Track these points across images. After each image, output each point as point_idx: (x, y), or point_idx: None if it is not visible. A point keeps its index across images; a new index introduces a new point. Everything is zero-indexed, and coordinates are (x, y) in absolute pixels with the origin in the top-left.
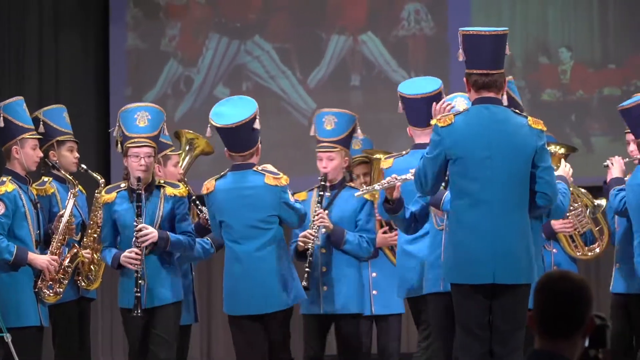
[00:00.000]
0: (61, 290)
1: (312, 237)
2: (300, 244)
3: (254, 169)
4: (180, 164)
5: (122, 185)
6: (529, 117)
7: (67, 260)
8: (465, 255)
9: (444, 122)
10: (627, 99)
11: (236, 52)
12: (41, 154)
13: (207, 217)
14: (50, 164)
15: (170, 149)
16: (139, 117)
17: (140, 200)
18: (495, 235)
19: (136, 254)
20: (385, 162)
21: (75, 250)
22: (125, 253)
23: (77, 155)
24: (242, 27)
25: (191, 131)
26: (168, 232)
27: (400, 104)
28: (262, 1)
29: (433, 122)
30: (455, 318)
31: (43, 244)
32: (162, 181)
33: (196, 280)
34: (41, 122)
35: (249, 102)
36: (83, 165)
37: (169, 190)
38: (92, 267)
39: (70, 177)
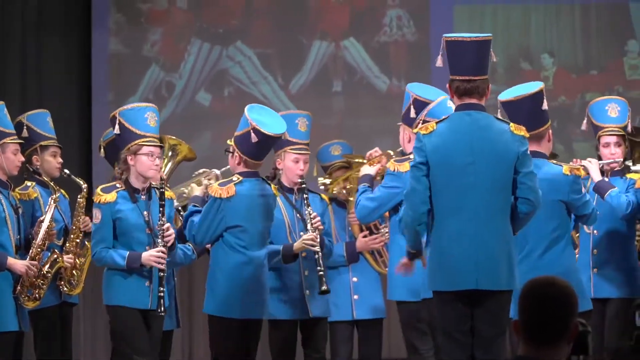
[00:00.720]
0: (40, 295)
1: (317, 240)
2: (307, 247)
3: (261, 177)
4: (162, 170)
5: (118, 185)
6: (511, 123)
7: (47, 265)
8: (447, 261)
9: (426, 130)
10: None
11: (218, 57)
12: (22, 159)
13: None
14: (32, 169)
15: None
16: (149, 117)
17: (163, 199)
18: (477, 241)
19: (163, 252)
20: (402, 166)
21: (55, 255)
22: (152, 252)
23: (60, 160)
24: (224, 33)
25: (174, 137)
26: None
27: (412, 108)
28: (243, 7)
29: (415, 130)
30: (437, 323)
31: (24, 249)
32: (152, 183)
33: (177, 286)
34: (25, 127)
35: (275, 113)
36: (66, 170)
37: (167, 193)
38: (74, 272)
39: (52, 182)
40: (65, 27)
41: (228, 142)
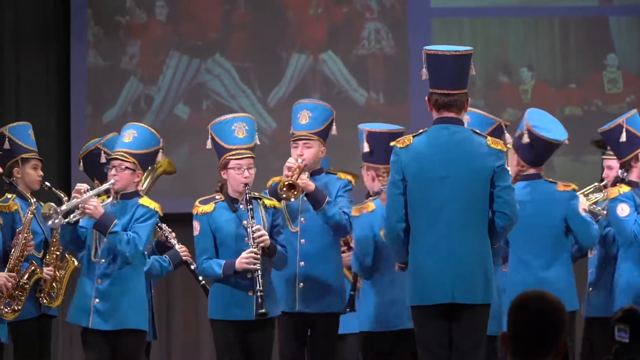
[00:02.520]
0: (19, 307)
1: None
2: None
3: None
4: (142, 183)
5: (217, 197)
6: (488, 137)
7: (25, 277)
8: (423, 276)
9: (402, 144)
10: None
11: (196, 70)
12: (1, 170)
13: (166, 235)
14: (8, 181)
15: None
16: (237, 129)
17: (251, 202)
18: (453, 255)
19: (255, 253)
20: None
21: (33, 267)
22: (243, 255)
23: (41, 173)
24: (202, 46)
25: None
26: (275, 243)
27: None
28: (222, 20)
29: (392, 143)
30: (415, 338)
31: (2, 261)
32: (255, 193)
33: (155, 298)
34: (6, 139)
35: None
36: (47, 183)
37: (267, 202)
38: (54, 284)
39: (28, 194)
40: (44, 39)
41: (129, 156)
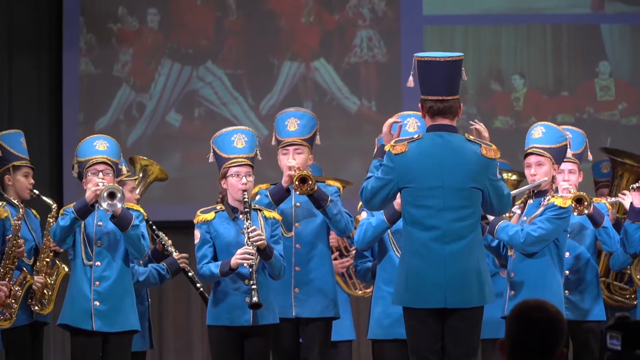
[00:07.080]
0: (13, 315)
1: None
2: None
3: None
4: (135, 190)
5: (218, 207)
6: (482, 145)
7: (17, 285)
8: (416, 279)
9: (397, 150)
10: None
11: (188, 78)
12: None
13: (164, 243)
14: None
15: (126, 174)
16: (236, 139)
17: (248, 207)
18: (445, 260)
19: (249, 252)
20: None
21: (24, 274)
22: (238, 251)
23: (32, 181)
24: (194, 53)
25: (145, 157)
26: (273, 247)
27: None
28: (214, 27)
29: (387, 148)
30: (408, 343)
31: None
32: (255, 205)
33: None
34: None
35: None
36: (35, 191)
37: (267, 213)
38: (45, 291)
39: (15, 201)
40: (36, 47)
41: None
